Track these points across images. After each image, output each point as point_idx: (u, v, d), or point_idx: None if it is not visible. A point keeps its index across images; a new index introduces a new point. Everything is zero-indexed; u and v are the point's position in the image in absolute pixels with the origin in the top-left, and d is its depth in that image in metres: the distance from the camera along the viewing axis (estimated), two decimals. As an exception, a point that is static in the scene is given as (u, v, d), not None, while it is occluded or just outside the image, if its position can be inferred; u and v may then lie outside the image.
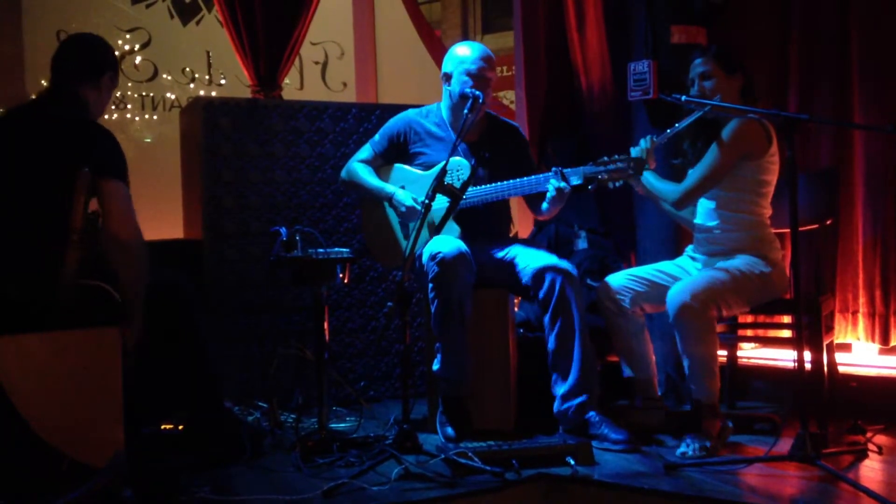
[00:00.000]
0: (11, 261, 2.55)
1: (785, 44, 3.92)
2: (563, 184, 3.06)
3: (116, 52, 3.00)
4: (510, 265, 3.19)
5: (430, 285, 3.06)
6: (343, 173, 3.48)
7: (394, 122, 3.43)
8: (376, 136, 3.44)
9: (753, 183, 3.06)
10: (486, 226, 3.29)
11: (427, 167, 3.31)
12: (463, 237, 3.16)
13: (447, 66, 3.31)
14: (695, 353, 2.92)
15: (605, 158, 3.05)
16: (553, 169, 3.09)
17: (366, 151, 3.44)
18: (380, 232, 3.39)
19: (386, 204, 3.32)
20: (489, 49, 3.31)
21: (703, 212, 3.17)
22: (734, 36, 3.94)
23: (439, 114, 3.40)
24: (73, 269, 2.51)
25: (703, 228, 3.16)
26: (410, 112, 3.45)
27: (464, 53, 3.27)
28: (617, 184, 3.02)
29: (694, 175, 3.07)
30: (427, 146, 3.34)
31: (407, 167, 3.37)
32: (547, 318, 3.09)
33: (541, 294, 3.09)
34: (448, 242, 3.07)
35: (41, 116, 2.70)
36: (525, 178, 3.16)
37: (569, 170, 3.07)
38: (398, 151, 3.39)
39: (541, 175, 3.13)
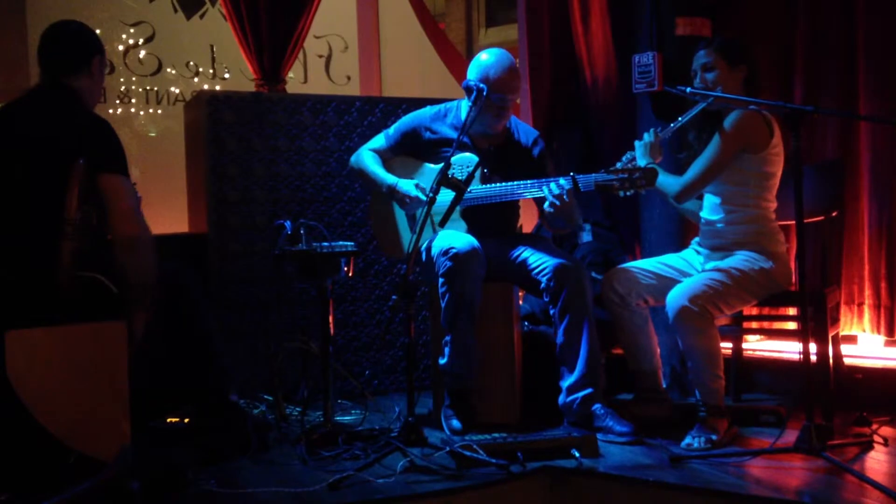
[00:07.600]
0: (6, 254, 2.55)
1: (791, 35, 3.91)
2: (559, 191, 2.95)
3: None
4: (519, 259, 3.18)
5: (441, 280, 3.05)
6: (352, 159, 3.47)
7: (410, 120, 3.40)
8: (391, 129, 3.41)
9: (758, 176, 3.04)
10: (493, 222, 3.27)
11: None
12: (470, 233, 3.16)
13: (471, 75, 3.19)
14: (696, 356, 2.91)
15: (619, 167, 3.02)
16: (560, 177, 3.02)
17: (378, 141, 3.42)
18: (386, 222, 3.38)
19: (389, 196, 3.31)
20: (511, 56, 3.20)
21: (709, 206, 3.15)
22: (740, 27, 3.93)
23: (458, 115, 3.34)
24: (68, 262, 2.51)
25: (707, 222, 3.15)
26: (428, 111, 3.39)
27: (488, 64, 3.16)
28: (628, 193, 2.95)
29: (694, 168, 3.05)
30: (441, 147, 3.29)
31: (433, 165, 3.28)
32: (556, 313, 3.09)
33: (551, 288, 3.08)
34: (460, 238, 3.07)
35: (35, 110, 2.68)
36: (526, 181, 3.08)
37: (581, 176, 2.98)
38: (409, 148, 3.36)
39: (547, 179, 3.03)
